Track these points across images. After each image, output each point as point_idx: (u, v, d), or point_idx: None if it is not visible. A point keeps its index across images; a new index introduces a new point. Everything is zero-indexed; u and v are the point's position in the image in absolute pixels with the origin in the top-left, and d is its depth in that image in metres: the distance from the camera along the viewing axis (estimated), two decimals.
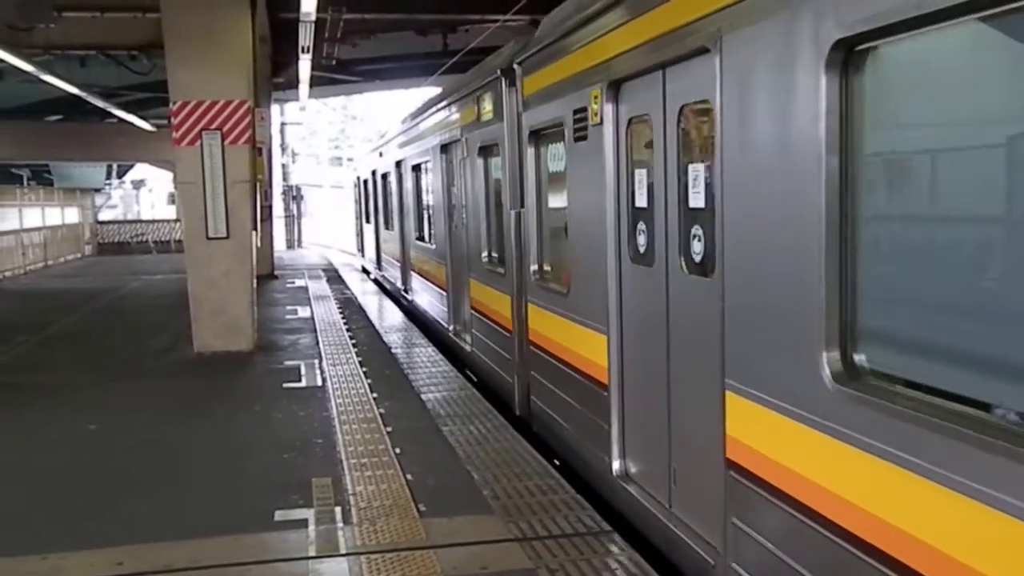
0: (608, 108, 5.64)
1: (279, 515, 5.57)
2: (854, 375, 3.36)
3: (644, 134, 5.29)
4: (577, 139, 6.21)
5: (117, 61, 18.59)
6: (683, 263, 4.75)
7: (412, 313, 14.93)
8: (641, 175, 5.34)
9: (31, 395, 9.41)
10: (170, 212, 42.28)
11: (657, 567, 4.85)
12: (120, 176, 49.62)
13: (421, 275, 14.15)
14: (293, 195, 36.63)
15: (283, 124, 38.17)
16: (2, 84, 21.42)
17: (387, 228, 17.98)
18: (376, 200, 19.74)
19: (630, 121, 5.47)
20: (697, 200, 4.54)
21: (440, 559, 4.88)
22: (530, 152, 7.74)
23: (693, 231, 4.62)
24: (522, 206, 7.97)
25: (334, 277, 21.35)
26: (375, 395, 8.72)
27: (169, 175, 38.71)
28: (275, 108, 29.43)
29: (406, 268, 15.75)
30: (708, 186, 4.42)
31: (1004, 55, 2.85)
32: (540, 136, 7.53)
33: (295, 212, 36.43)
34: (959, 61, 3.03)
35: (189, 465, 6.86)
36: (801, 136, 3.50)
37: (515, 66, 7.98)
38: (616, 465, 5.79)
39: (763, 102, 3.84)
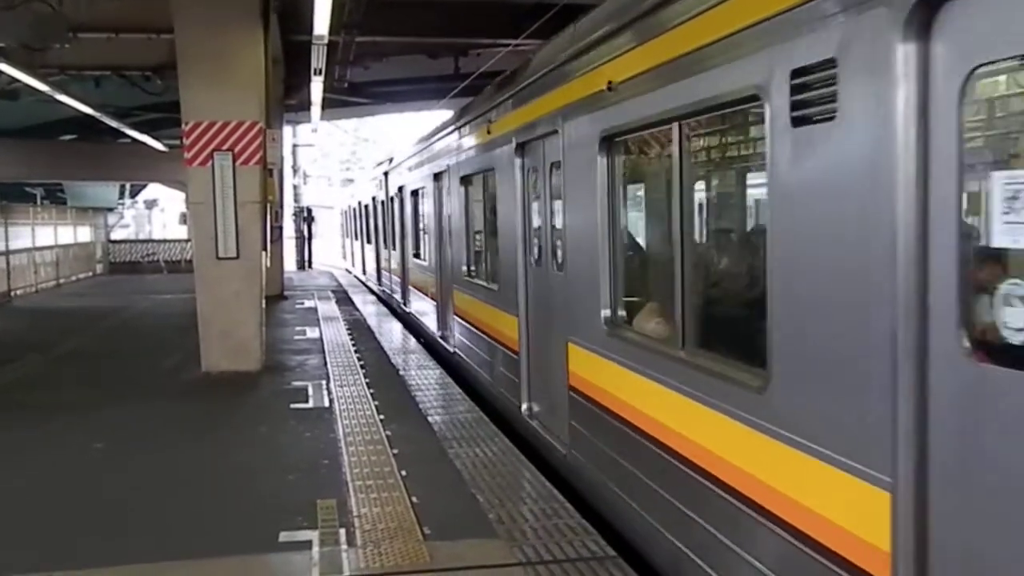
0: (399, 197, 17.18)
1: (284, 536, 5.55)
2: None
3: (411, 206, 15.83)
4: (400, 203, 17.07)
5: (131, 82, 18.78)
6: None
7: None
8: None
9: (39, 413, 9.42)
10: (181, 232, 42.44)
11: None
12: (133, 196, 49.94)
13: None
14: (304, 216, 36.75)
15: (295, 146, 38.39)
16: (17, 104, 21.63)
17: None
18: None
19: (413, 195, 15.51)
20: None
21: None
22: (397, 204, 17.70)
23: None
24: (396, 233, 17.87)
25: (343, 298, 21.38)
26: (382, 417, 8.70)
27: (181, 195, 38.87)
28: (287, 129, 29.58)
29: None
30: None
31: None
32: (399, 198, 17.31)
33: (306, 233, 36.53)
34: None
35: (195, 485, 6.85)
36: None
37: (389, 166, 18.93)
38: None
39: None
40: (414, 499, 6.20)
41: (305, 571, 5.08)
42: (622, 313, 5.89)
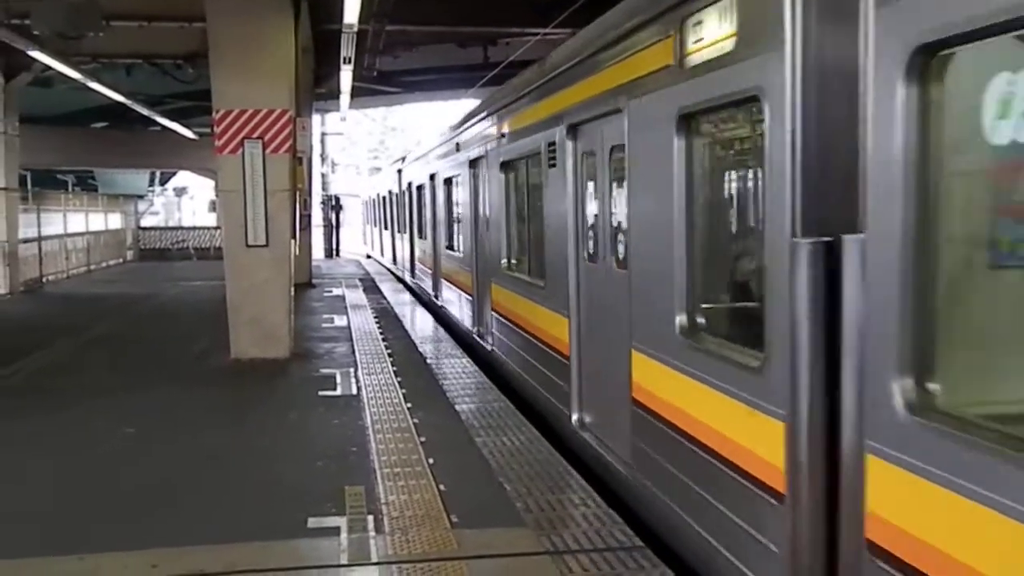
0: (409, 191, 20.19)
1: (312, 522, 5.59)
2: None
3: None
4: (410, 195, 20.06)
5: (162, 70, 18.92)
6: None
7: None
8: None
9: (71, 397, 9.54)
10: (211, 219, 42.73)
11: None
12: (163, 183, 50.43)
13: None
14: (332, 205, 36.87)
15: (324, 134, 38.51)
16: (50, 91, 21.88)
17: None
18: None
19: (419, 189, 18.54)
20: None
21: (471, 570, 4.87)
22: (407, 196, 20.51)
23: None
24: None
25: (371, 287, 21.45)
26: (409, 405, 8.74)
27: (211, 183, 39.10)
28: (316, 118, 29.69)
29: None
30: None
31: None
32: (408, 191, 20.20)
33: (333, 222, 36.65)
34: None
35: (224, 470, 6.91)
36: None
37: (402, 165, 22.10)
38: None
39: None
40: (441, 487, 6.22)
41: (333, 557, 5.11)
42: (514, 260, 10.09)
